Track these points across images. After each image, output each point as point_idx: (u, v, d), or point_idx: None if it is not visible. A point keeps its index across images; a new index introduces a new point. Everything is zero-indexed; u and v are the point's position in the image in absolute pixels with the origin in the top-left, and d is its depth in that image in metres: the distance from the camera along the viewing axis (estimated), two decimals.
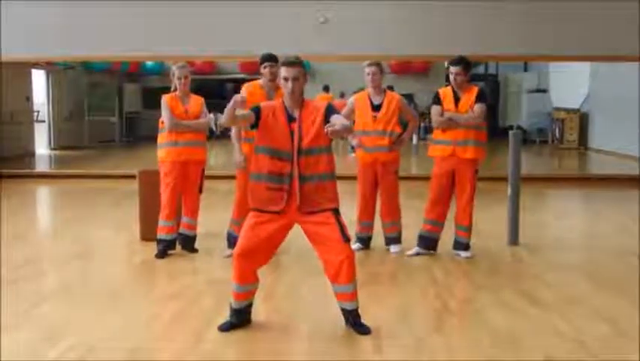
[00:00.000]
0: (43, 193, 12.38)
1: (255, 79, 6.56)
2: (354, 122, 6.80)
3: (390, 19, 12.05)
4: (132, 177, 7.76)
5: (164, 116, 6.54)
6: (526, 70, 24.45)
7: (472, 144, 6.49)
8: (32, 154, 17.57)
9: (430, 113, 6.84)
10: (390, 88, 7.02)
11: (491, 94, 23.38)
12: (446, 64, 6.62)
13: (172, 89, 6.64)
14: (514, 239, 7.19)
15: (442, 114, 6.51)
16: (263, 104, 4.54)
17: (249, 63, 19.33)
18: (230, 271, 4.57)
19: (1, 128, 16.10)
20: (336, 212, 4.44)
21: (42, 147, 18.83)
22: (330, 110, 4.42)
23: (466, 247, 6.70)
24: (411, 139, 7.55)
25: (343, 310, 4.57)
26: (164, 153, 6.62)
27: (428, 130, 12.92)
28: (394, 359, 4.15)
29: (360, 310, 4.55)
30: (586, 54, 12.57)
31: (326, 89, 19.66)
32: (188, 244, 6.83)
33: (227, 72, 22.55)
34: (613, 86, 17.65)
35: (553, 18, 11.87)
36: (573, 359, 4.12)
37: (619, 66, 15.78)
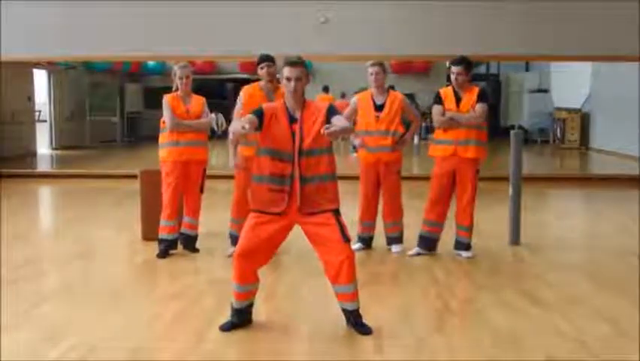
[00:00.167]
0: (45, 193, 12.39)
1: (256, 79, 6.55)
2: (355, 122, 6.81)
3: (390, 19, 12.05)
4: (134, 176, 7.76)
5: (166, 116, 6.54)
6: (527, 70, 24.45)
7: (474, 143, 6.49)
8: (34, 154, 17.58)
9: (431, 113, 6.84)
10: (392, 88, 7.01)
11: (493, 94, 23.37)
12: (447, 64, 6.61)
13: (173, 89, 6.65)
14: (515, 239, 7.19)
15: (443, 114, 6.51)
16: (265, 106, 4.53)
17: (249, 63, 19.30)
18: (231, 271, 4.58)
19: (2, 128, 16.11)
20: (336, 213, 4.44)
21: (43, 146, 18.84)
22: (332, 111, 4.42)
23: (467, 247, 6.70)
24: (412, 139, 7.54)
25: (344, 310, 4.57)
26: (165, 152, 6.63)
27: (429, 130, 12.95)
28: (395, 359, 4.15)
29: (361, 311, 4.55)
30: (586, 54, 12.57)
31: (325, 89, 19.62)
32: (190, 243, 6.84)
33: (227, 72, 22.55)
34: (614, 86, 17.65)
35: (553, 18, 11.87)
36: (574, 359, 4.12)
37: (620, 66, 15.78)
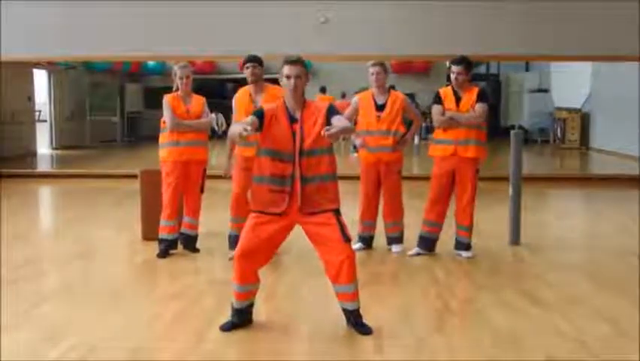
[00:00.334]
0: (45, 193, 12.39)
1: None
2: (356, 122, 6.81)
3: (390, 19, 12.05)
4: (134, 176, 7.76)
5: (166, 116, 6.54)
6: (527, 70, 24.44)
7: (474, 143, 6.49)
8: (34, 154, 17.58)
9: (431, 112, 6.84)
10: (392, 87, 7.02)
11: (493, 94, 23.38)
12: (448, 63, 6.61)
13: (174, 89, 6.65)
14: (515, 239, 7.19)
15: (443, 114, 6.51)
16: (266, 106, 4.53)
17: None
18: (232, 272, 4.57)
19: (2, 128, 16.11)
20: (337, 213, 4.44)
21: (43, 146, 18.84)
22: (332, 111, 4.42)
23: (467, 246, 6.70)
24: (413, 139, 7.55)
25: (344, 310, 4.57)
26: (165, 152, 6.63)
27: (430, 130, 12.97)
28: (396, 359, 4.15)
29: (361, 311, 4.55)
30: (586, 54, 12.58)
31: (323, 90, 19.56)
32: (190, 243, 6.84)
33: (227, 72, 22.54)
34: (614, 86, 17.65)
35: (553, 18, 11.87)
36: (574, 359, 4.12)
37: (620, 66, 15.78)
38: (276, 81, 4.75)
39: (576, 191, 12.30)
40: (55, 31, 12.34)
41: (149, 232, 7.08)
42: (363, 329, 4.49)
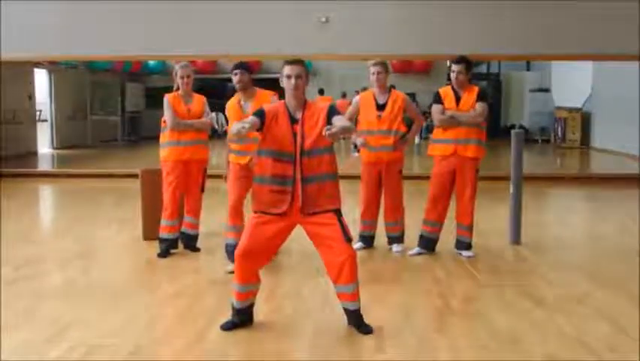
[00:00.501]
0: (46, 192, 12.39)
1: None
2: (357, 121, 6.81)
3: (391, 19, 12.06)
4: (134, 176, 7.76)
5: (167, 116, 6.55)
6: (528, 69, 24.46)
7: (474, 142, 6.49)
8: (35, 153, 17.60)
9: (431, 112, 6.84)
10: (392, 87, 7.02)
11: (493, 93, 23.41)
12: (448, 62, 6.61)
13: (174, 89, 6.65)
14: (516, 238, 7.19)
15: (443, 113, 6.51)
16: (266, 107, 4.53)
17: (250, 63, 19.37)
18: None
19: (3, 127, 16.12)
20: (338, 213, 4.44)
21: (44, 146, 18.86)
22: (332, 111, 4.43)
23: (468, 246, 6.70)
24: (414, 138, 7.54)
25: (345, 310, 4.57)
26: (166, 152, 6.63)
27: (430, 129, 13.00)
28: (397, 359, 4.15)
29: (362, 310, 4.55)
30: (587, 53, 12.58)
31: (321, 92, 19.50)
32: (191, 243, 6.84)
33: (228, 72, 22.48)
34: (615, 86, 17.66)
35: (553, 17, 11.87)
36: (575, 359, 4.11)
37: (621, 66, 15.78)
38: (276, 81, 4.74)
39: (577, 190, 12.29)
40: (55, 30, 12.34)
41: (150, 232, 7.08)
42: (364, 328, 4.49)
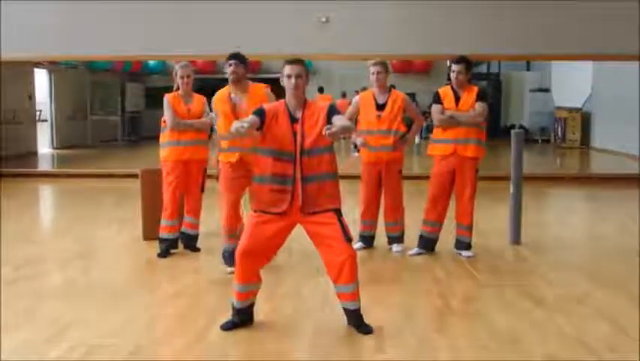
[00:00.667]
0: (46, 192, 12.39)
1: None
2: (357, 121, 6.81)
3: (391, 19, 12.06)
4: (134, 176, 7.76)
5: (167, 116, 6.55)
6: (528, 69, 24.45)
7: (474, 142, 6.49)
8: (35, 153, 17.59)
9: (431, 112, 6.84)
10: (392, 87, 7.02)
11: (493, 93, 23.41)
12: (448, 62, 6.62)
13: (174, 89, 6.65)
14: (516, 238, 7.19)
15: (442, 113, 6.51)
16: (266, 106, 4.53)
17: (250, 62, 19.36)
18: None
19: (3, 127, 16.11)
20: (338, 212, 4.44)
21: (44, 146, 18.86)
22: (332, 111, 4.43)
23: (467, 246, 6.69)
24: (415, 138, 7.55)
25: (345, 310, 4.57)
26: (166, 152, 6.63)
27: (430, 129, 13.03)
28: (397, 359, 4.14)
29: (362, 310, 4.55)
30: (587, 53, 12.58)
31: (321, 90, 19.59)
32: (191, 243, 6.84)
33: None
34: (615, 86, 17.66)
35: (554, 17, 11.87)
36: (575, 359, 4.11)
37: (621, 66, 15.79)
38: (276, 81, 4.73)
39: (576, 190, 12.29)
40: (55, 30, 12.34)
41: (150, 232, 7.08)
42: (364, 328, 4.49)
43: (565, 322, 4.75)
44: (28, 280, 5.85)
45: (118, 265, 6.56)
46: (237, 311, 4.58)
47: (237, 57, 5.82)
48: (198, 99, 6.72)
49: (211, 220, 7.55)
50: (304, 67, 4.46)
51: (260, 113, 4.42)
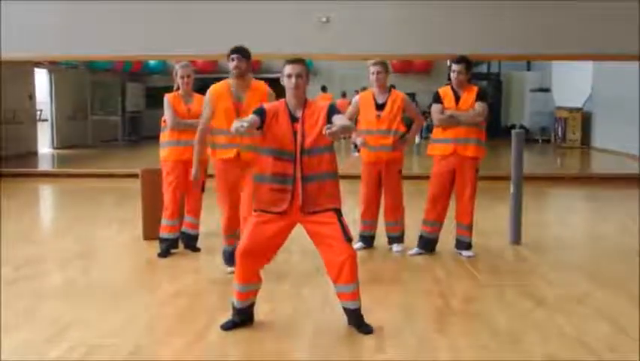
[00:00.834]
0: (46, 192, 12.39)
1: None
2: (357, 121, 6.81)
3: (392, 19, 12.06)
4: (135, 176, 7.76)
5: (167, 115, 6.55)
6: (529, 69, 24.44)
7: (474, 142, 6.49)
8: (35, 153, 17.59)
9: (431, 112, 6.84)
10: (393, 87, 7.02)
11: (494, 93, 23.40)
12: (448, 62, 6.62)
13: (175, 88, 6.65)
14: (516, 238, 7.19)
15: (442, 112, 6.51)
16: (266, 105, 4.53)
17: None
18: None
19: (3, 127, 16.11)
20: (338, 212, 4.43)
21: (45, 146, 18.85)
22: (333, 110, 4.43)
23: (468, 246, 6.69)
24: (415, 138, 7.54)
25: (346, 309, 4.57)
26: (166, 152, 6.63)
27: (430, 129, 13.06)
28: (397, 359, 4.14)
29: (362, 310, 4.55)
30: (587, 53, 12.58)
31: (324, 89, 19.65)
32: (191, 242, 6.84)
33: (228, 71, 22.46)
34: (616, 86, 17.65)
35: (554, 17, 11.87)
36: (575, 359, 4.11)
37: (622, 65, 15.79)
38: (276, 81, 4.73)
39: (577, 190, 12.29)
40: (56, 30, 12.34)
41: (150, 232, 7.07)
42: (364, 328, 4.49)
43: (565, 322, 4.75)
44: (28, 280, 5.85)
45: (118, 265, 6.56)
46: (237, 311, 4.58)
47: (240, 51, 5.68)
48: (198, 99, 6.70)
49: (211, 220, 7.55)
50: (305, 66, 4.46)
51: (260, 112, 4.42)
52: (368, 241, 6.93)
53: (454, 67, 6.47)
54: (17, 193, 11.21)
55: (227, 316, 4.62)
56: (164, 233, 6.65)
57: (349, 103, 7.49)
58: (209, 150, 5.88)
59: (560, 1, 11.82)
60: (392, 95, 6.74)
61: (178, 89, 6.62)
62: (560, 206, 11.28)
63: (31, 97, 18.12)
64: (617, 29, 11.77)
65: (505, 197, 7.50)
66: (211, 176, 6.85)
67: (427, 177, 6.83)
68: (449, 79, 6.67)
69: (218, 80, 5.98)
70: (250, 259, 4.44)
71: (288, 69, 4.42)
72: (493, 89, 23.61)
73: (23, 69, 17.00)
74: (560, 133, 20.98)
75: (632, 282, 5.77)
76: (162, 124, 6.66)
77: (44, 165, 16.35)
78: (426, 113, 10.96)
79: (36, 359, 4.09)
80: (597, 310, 5.05)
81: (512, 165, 7.17)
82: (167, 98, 6.58)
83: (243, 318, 4.59)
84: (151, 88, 22.99)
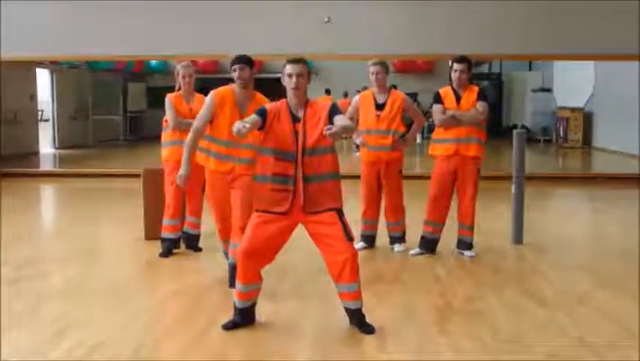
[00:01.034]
0: (47, 192, 12.41)
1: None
2: (357, 121, 6.81)
3: (393, 19, 12.06)
4: (136, 175, 7.76)
5: (168, 115, 6.55)
6: (530, 69, 24.42)
7: (475, 141, 6.48)
8: (36, 153, 17.60)
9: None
10: (394, 87, 7.02)
11: (495, 93, 23.39)
12: (450, 62, 6.61)
13: (176, 88, 6.65)
14: (518, 238, 7.18)
15: (444, 112, 6.50)
16: (268, 106, 4.53)
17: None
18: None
19: (5, 127, 16.12)
20: (339, 212, 4.43)
21: (46, 146, 18.86)
22: (334, 110, 4.43)
23: (469, 245, 6.69)
24: (415, 138, 7.53)
25: (347, 309, 4.56)
26: (167, 151, 6.63)
27: (431, 129, 13.12)
28: (398, 359, 4.14)
29: (364, 310, 4.55)
30: (588, 53, 12.58)
31: (328, 92, 19.56)
32: (192, 242, 6.84)
33: (229, 71, 22.49)
34: (617, 86, 17.63)
35: (555, 17, 11.86)
36: (576, 358, 4.11)
37: (623, 65, 15.77)
38: (277, 81, 4.72)
39: (578, 190, 12.29)
40: (57, 30, 12.35)
41: (152, 231, 7.07)
42: (366, 328, 4.49)
43: (567, 321, 4.75)
44: (28, 280, 5.85)
45: (119, 264, 6.56)
46: (239, 311, 4.58)
47: (242, 60, 5.35)
48: (200, 99, 6.69)
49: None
50: (306, 66, 4.46)
51: (262, 112, 4.42)
52: (369, 240, 6.93)
53: (456, 66, 6.47)
54: (18, 193, 11.21)
55: (229, 316, 4.62)
56: (165, 233, 6.65)
57: (349, 103, 7.48)
58: (199, 155, 5.56)
59: (561, 1, 11.81)
60: (392, 95, 6.73)
61: (179, 89, 6.62)
62: (561, 206, 11.27)
63: (33, 97, 18.12)
64: (619, 29, 11.76)
65: (506, 197, 7.49)
66: None
67: (429, 178, 6.81)
68: (451, 79, 6.66)
69: (220, 80, 5.95)
70: (252, 260, 4.44)
71: (289, 69, 4.42)
72: (494, 90, 23.60)
73: (25, 69, 17.01)
74: (561, 133, 20.95)
75: (633, 282, 5.77)
76: (164, 124, 6.66)
77: (46, 165, 16.36)
78: (427, 114, 10.98)
79: (36, 359, 4.09)
80: (598, 309, 5.05)
81: (514, 165, 7.16)
82: (169, 98, 6.58)
83: (244, 318, 4.58)
84: (152, 88, 22.99)
